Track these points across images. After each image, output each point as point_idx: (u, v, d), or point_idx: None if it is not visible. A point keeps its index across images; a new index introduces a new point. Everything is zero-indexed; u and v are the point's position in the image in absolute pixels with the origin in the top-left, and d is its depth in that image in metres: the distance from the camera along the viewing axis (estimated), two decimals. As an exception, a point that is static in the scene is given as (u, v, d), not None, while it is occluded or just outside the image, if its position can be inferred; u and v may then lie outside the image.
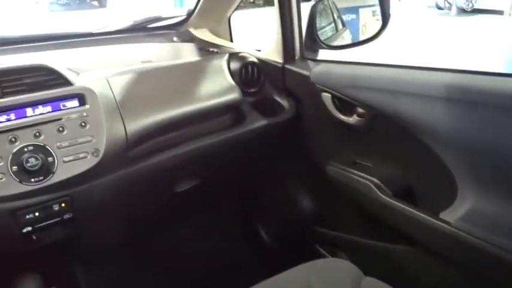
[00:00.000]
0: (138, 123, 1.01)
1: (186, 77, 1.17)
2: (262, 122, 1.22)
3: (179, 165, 1.13)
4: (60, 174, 0.89)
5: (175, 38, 1.51)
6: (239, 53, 1.30)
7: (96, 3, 9.73)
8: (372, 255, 1.16)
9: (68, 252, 1.15)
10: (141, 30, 1.53)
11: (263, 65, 1.29)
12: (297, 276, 0.90)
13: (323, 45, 1.26)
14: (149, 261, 1.45)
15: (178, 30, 1.56)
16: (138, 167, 1.04)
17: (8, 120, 0.88)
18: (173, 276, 1.40)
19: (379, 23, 1.23)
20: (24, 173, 0.86)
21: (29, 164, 0.86)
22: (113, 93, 1.01)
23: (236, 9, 1.53)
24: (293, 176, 1.44)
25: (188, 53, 1.40)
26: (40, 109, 0.91)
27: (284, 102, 1.27)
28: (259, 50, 1.38)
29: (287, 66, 1.26)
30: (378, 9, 1.26)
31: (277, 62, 1.28)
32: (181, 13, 1.62)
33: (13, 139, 0.87)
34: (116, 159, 0.98)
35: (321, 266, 0.96)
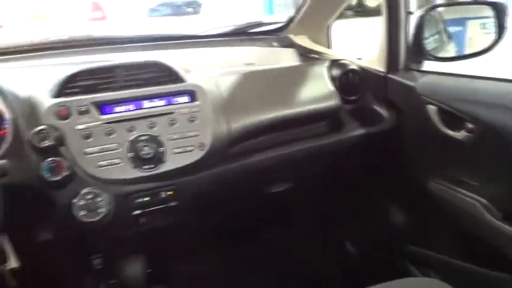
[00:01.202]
0: (240, 122, 1.05)
1: (287, 81, 1.19)
2: (360, 131, 1.21)
3: (274, 167, 1.15)
4: (169, 164, 0.95)
5: (274, 43, 1.53)
6: (340, 60, 1.29)
7: (190, 10, 10.30)
8: (472, 280, 1.08)
9: (163, 239, 1.22)
10: (242, 35, 1.58)
11: (364, 74, 1.27)
12: None
13: (429, 57, 1.21)
14: (231, 260, 1.48)
15: (277, 35, 1.59)
16: (236, 164, 1.08)
17: (128, 110, 0.96)
18: (252, 278, 1.41)
19: (488, 37, 1.17)
20: (138, 160, 0.93)
21: (143, 152, 0.93)
22: (220, 91, 1.05)
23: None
24: (387, 189, 1.39)
25: (289, 58, 1.42)
26: (155, 102, 0.98)
27: (384, 112, 1.24)
28: (360, 59, 1.36)
29: (390, 75, 1.22)
30: (487, 21, 1.19)
31: (380, 71, 1.25)
32: (280, 19, 1.65)
33: (131, 128, 0.94)
34: (218, 155, 1.02)
35: (415, 285, 0.91)
